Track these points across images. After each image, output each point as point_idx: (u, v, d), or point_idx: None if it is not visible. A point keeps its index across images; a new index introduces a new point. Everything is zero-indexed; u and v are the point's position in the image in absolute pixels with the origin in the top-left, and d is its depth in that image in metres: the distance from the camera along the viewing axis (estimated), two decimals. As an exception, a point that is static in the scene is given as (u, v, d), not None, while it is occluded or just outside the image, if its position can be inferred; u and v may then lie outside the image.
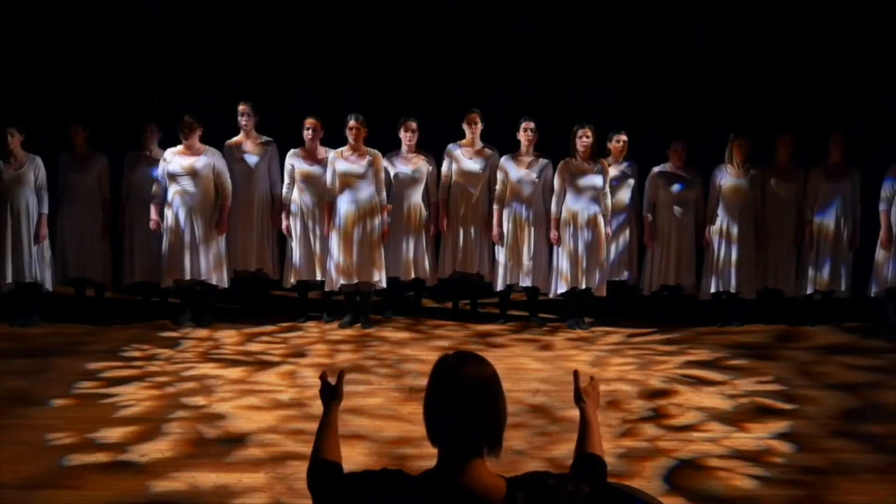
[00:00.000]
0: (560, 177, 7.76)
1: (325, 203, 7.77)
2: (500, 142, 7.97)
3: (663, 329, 7.81)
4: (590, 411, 2.58)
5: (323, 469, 2.41)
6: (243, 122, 8.03)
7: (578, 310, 7.91)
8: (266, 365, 6.73)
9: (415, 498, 2.11)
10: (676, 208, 8.03)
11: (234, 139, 8.10)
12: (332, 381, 2.69)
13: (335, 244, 7.70)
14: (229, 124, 8.08)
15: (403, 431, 5.27)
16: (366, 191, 7.67)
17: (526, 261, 7.86)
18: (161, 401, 5.89)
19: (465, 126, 7.94)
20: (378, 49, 8.86)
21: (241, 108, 8.00)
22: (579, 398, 2.62)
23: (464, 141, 8.01)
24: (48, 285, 7.80)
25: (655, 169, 8.08)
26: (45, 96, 8.71)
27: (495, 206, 7.89)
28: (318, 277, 7.94)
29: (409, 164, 7.99)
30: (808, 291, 8.01)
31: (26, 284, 7.70)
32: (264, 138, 8.14)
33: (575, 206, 7.72)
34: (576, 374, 2.67)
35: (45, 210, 7.73)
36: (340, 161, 7.69)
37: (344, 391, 2.69)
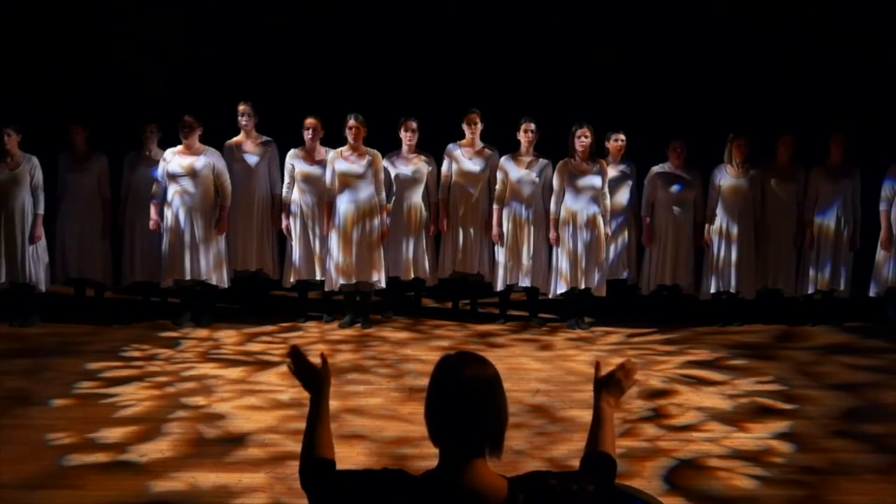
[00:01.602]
0: (559, 177, 7.76)
1: (324, 203, 7.77)
2: (500, 142, 7.97)
3: (663, 329, 7.81)
4: (605, 407, 2.44)
5: (317, 468, 2.33)
6: (244, 122, 8.02)
7: (578, 310, 7.91)
8: (266, 365, 6.73)
9: (416, 498, 2.11)
10: (675, 208, 8.02)
11: (235, 139, 8.09)
12: (315, 362, 2.47)
13: (334, 244, 7.70)
14: (229, 124, 8.07)
15: (403, 431, 5.28)
16: (365, 191, 7.67)
17: (525, 261, 7.85)
18: (161, 401, 5.89)
19: (464, 126, 7.94)
20: (378, 49, 8.86)
21: (241, 108, 7.99)
22: (608, 385, 2.46)
23: (464, 141, 8.00)
24: (42, 286, 7.78)
25: (654, 169, 8.07)
26: (45, 96, 8.71)
27: (495, 206, 7.89)
28: (318, 277, 7.93)
29: (409, 165, 7.98)
30: (809, 291, 8.01)
31: (22, 285, 7.69)
32: (264, 138, 8.13)
33: (574, 206, 7.72)
34: (597, 365, 2.52)
35: (41, 211, 7.71)
36: (340, 161, 7.69)
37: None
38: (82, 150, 8.02)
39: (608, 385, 2.48)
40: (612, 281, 8.02)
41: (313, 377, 2.44)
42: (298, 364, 2.46)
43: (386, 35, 8.87)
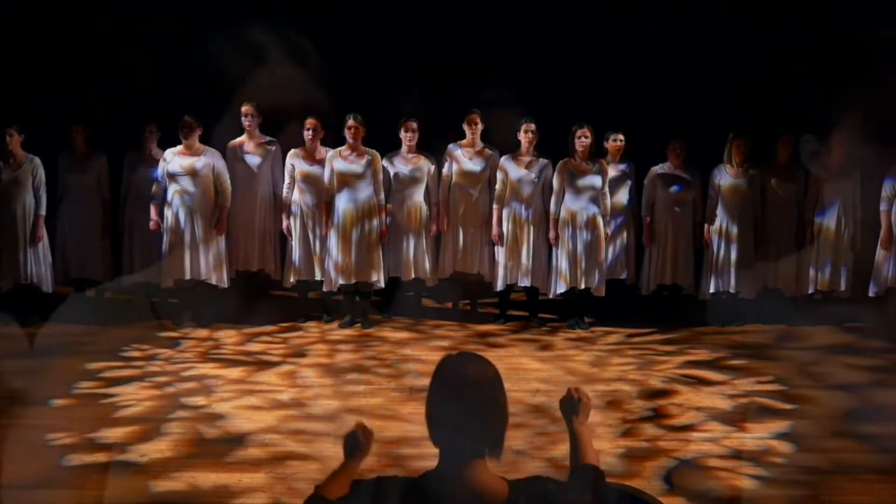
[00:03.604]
0: (559, 177, 7.76)
1: (323, 203, 7.77)
2: (500, 142, 7.96)
3: (663, 329, 7.81)
4: (577, 427, 2.56)
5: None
6: (247, 123, 8.01)
7: (578, 310, 7.91)
8: (266, 365, 6.73)
9: (416, 499, 2.11)
10: (675, 208, 8.02)
11: (237, 140, 8.09)
12: (363, 437, 2.54)
13: (334, 244, 7.70)
14: (230, 125, 8.05)
15: (403, 431, 5.27)
16: (364, 191, 7.67)
17: (525, 261, 7.85)
18: (161, 401, 5.89)
19: (465, 126, 7.94)
20: (378, 49, 8.85)
21: (244, 108, 7.97)
22: (573, 408, 2.61)
23: (464, 141, 8.01)
24: (45, 287, 7.78)
25: (654, 169, 8.08)
26: (45, 96, 8.70)
27: (495, 206, 7.89)
28: (318, 277, 7.94)
29: (409, 164, 7.98)
30: (809, 291, 8.01)
31: (26, 285, 7.69)
32: (267, 139, 8.13)
33: (574, 206, 7.72)
34: (568, 391, 2.67)
35: (43, 211, 7.71)
36: (339, 160, 7.69)
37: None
38: (82, 150, 8.03)
39: (573, 408, 2.62)
40: (612, 281, 8.02)
41: (360, 449, 2.51)
42: (362, 437, 2.51)
43: (386, 35, 8.86)
